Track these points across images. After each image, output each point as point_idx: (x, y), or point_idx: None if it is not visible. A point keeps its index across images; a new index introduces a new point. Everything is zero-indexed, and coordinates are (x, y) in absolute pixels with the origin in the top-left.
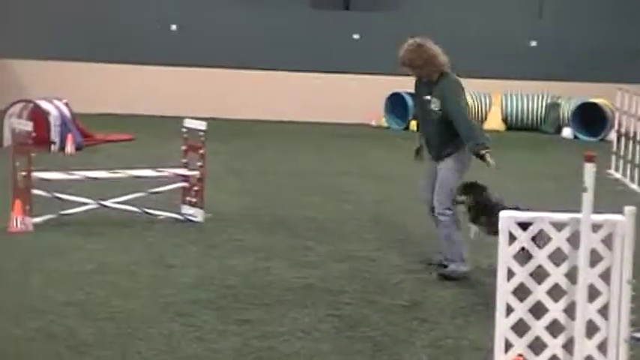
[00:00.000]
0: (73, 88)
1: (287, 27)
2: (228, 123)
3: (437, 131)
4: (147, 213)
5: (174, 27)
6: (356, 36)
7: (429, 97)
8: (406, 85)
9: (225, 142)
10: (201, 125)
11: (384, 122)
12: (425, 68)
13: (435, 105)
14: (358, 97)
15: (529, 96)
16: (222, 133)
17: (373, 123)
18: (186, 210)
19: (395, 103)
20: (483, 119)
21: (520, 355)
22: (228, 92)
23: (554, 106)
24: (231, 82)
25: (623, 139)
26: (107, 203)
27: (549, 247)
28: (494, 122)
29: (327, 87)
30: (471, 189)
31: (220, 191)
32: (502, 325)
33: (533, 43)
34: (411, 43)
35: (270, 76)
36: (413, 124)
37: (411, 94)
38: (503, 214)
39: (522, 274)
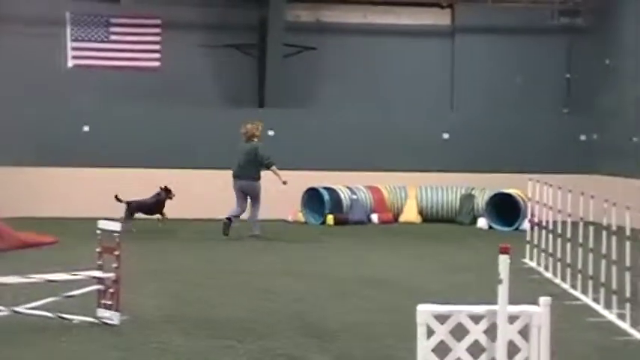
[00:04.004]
0: None
1: (204, 125)
2: (142, 223)
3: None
4: (61, 317)
5: (86, 128)
6: (271, 132)
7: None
8: (323, 179)
9: (141, 243)
10: (116, 226)
11: (301, 217)
12: (258, 136)
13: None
14: (274, 193)
15: (444, 188)
16: (137, 234)
17: (290, 218)
18: (102, 313)
19: (312, 198)
20: (400, 212)
21: None
22: (140, 192)
23: (468, 198)
24: (141, 181)
25: (536, 229)
26: (20, 309)
27: (468, 340)
28: (410, 214)
29: None
30: None
31: (137, 293)
32: None
33: (446, 136)
34: (256, 122)
35: (183, 174)
36: (330, 219)
37: (326, 189)
38: (421, 308)
39: None
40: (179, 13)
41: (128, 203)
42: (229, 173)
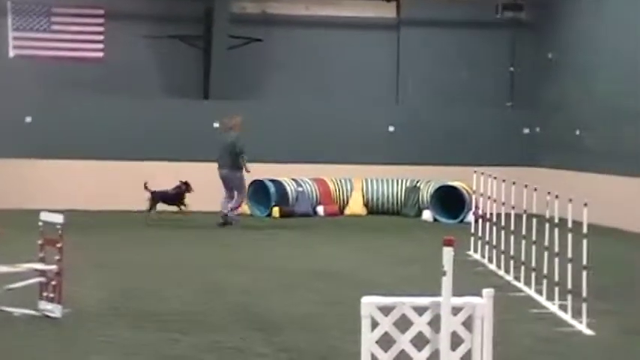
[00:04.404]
0: None
1: (149, 117)
2: (87, 214)
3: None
4: (2, 310)
5: (28, 119)
6: (216, 124)
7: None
8: (268, 171)
9: (85, 235)
10: (58, 218)
11: (246, 209)
12: (237, 127)
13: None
14: (219, 184)
15: (389, 180)
16: (81, 225)
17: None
18: (44, 306)
19: (257, 190)
20: (345, 204)
21: None
22: (85, 185)
23: (413, 190)
24: (85, 173)
25: (480, 221)
26: None
27: (412, 332)
28: (356, 207)
29: (190, 175)
30: None
31: (80, 285)
32: None
33: (392, 129)
34: (233, 116)
35: (127, 165)
36: (276, 211)
37: (272, 181)
38: (365, 300)
39: (387, 358)
40: (123, 3)
41: (152, 192)
42: (175, 165)
